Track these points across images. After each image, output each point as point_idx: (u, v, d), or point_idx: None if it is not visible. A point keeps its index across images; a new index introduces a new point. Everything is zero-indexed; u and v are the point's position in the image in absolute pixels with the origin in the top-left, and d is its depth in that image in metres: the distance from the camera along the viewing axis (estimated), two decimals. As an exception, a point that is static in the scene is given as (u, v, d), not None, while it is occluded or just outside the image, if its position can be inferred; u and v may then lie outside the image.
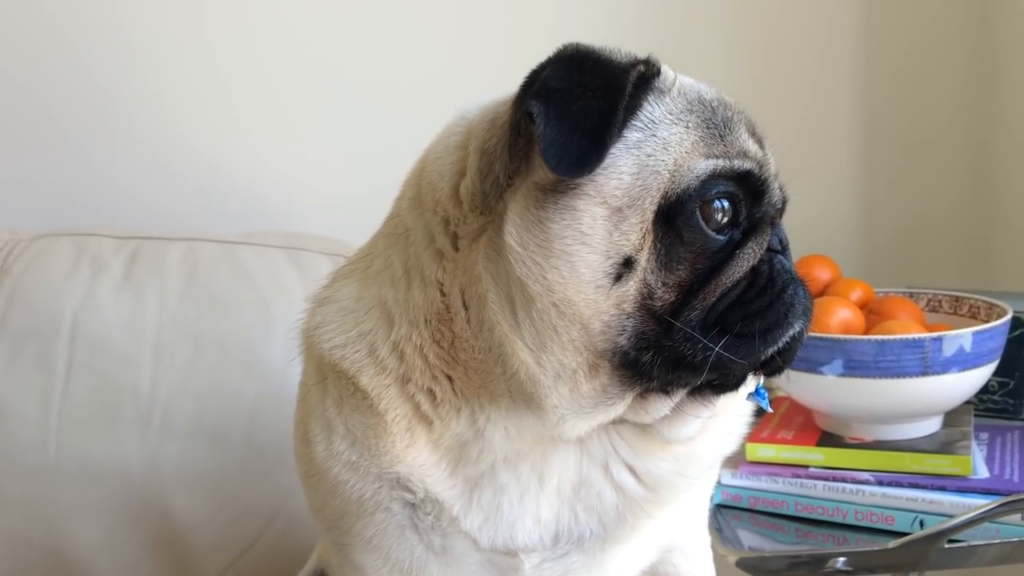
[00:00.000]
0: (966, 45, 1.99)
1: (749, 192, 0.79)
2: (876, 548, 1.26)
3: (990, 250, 2.02)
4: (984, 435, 1.45)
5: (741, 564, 1.27)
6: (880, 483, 1.32)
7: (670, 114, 0.78)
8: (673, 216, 0.76)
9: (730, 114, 0.80)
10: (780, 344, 0.79)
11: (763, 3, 1.99)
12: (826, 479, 1.35)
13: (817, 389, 1.37)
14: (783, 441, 1.40)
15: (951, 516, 1.24)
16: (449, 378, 0.83)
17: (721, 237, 0.77)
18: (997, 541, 1.23)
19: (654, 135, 0.77)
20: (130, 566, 1.52)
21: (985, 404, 1.56)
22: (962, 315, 1.49)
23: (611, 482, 0.88)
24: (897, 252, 2.06)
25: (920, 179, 2.04)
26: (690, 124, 0.78)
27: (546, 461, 0.86)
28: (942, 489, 1.30)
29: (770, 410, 0.95)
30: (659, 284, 0.76)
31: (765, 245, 0.80)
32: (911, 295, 1.54)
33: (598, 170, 0.75)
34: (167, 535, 1.52)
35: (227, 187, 1.91)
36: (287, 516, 1.51)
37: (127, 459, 1.51)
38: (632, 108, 0.76)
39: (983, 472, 1.32)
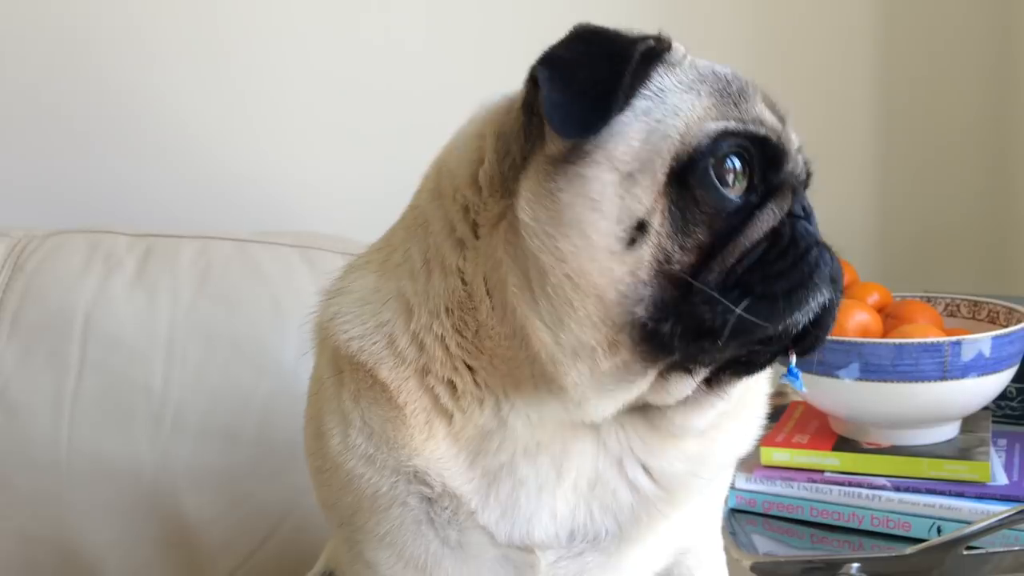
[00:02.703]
0: (986, 49, 1.98)
1: (765, 158, 0.78)
2: (892, 554, 1.25)
3: (1009, 254, 2.00)
4: (1002, 441, 1.44)
5: (755, 569, 1.26)
6: (897, 488, 1.31)
7: (680, 84, 0.78)
8: (686, 176, 0.75)
9: (745, 86, 0.80)
10: (809, 311, 0.76)
11: (782, 5, 1.98)
12: (842, 484, 1.34)
13: (833, 393, 1.36)
14: (798, 445, 1.39)
15: (969, 523, 1.23)
16: (471, 369, 0.83)
17: (736, 198, 0.76)
18: (1016, 548, 1.22)
19: (663, 102, 0.77)
20: (140, 564, 1.52)
21: (1003, 411, 1.54)
22: (980, 320, 1.47)
23: (625, 480, 0.87)
24: (915, 256, 2.04)
25: (938, 183, 2.03)
26: (702, 92, 0.78)
27: (565, 453, 0.85)
28: (960, 495, 1.28)
29: (804, 391, 0.94)
30: (676, 248, 0.75)
31: (786, 209, 0.78)
32: (929, 299, 1.53)
33: (607, 137, 0.75)
34: (178, 534, 1.51)
35: (239, 189, 1.91)
36: (299, 515, 1.51)
37: (138, 457, 1.51)
38: (641, 77, 0.76)
39: (1002, 478, 1.31)
